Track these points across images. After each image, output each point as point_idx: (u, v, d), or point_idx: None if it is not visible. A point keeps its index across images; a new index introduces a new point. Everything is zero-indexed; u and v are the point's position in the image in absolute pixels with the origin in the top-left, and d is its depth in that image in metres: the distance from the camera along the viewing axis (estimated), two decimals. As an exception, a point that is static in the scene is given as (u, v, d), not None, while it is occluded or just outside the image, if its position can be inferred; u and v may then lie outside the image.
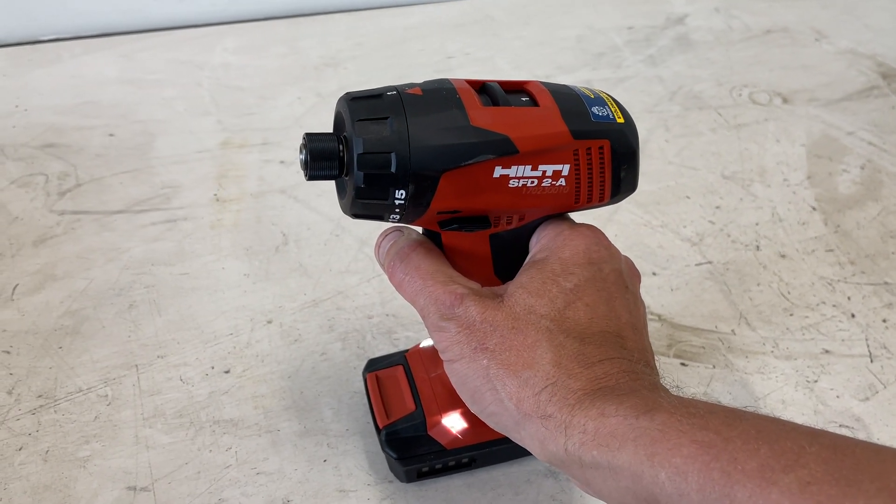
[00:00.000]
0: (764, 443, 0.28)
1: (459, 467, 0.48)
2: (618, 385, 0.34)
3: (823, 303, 0.62)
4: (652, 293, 0.62)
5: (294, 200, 0.70)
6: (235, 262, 0.63)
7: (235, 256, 0.64)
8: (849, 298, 0.62)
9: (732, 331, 0.59)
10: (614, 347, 0.36)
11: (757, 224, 0.69)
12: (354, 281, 0.62)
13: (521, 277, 0.38)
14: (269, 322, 0.58)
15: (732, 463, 0.28)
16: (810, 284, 0.63)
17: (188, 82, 0.84)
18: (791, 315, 0.61)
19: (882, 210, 0.71)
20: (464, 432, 0.47)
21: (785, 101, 0.86)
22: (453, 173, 0.36)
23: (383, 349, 0.57)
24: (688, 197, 0.72)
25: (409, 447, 0.47)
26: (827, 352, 0.58)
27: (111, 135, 0.76)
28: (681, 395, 0.35)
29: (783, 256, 0.66)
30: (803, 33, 0.99)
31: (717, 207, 0.71)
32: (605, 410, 0.32)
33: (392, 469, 0.48)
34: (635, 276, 0.41)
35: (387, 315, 0.59)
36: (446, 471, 0.48)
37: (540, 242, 0.40)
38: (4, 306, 0.58)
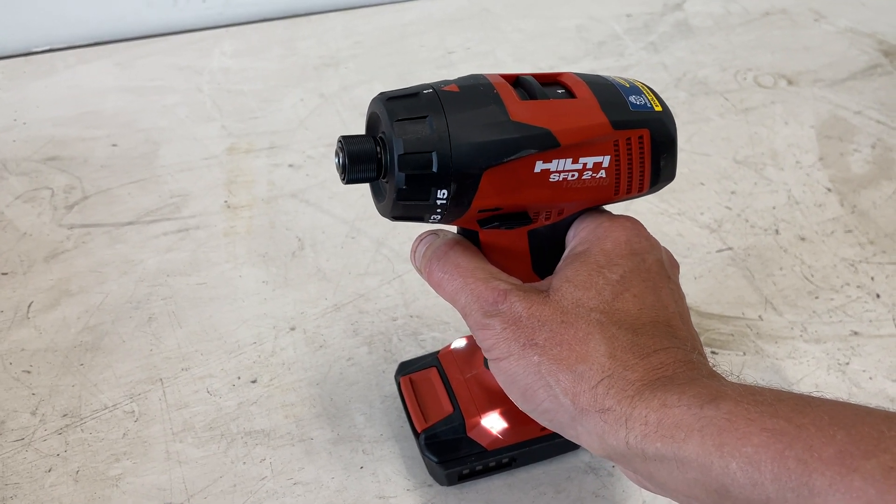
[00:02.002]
0: (839, 428, 0.28)
1: (500, 468, 0.48)
2: (676, 374, 0.33)
3: (847, 284, 0.61)
4: (675, 282, 0.61)
5: (306, 204, 0.69)
6: (252, 270, 0.62)
7: (252, 263, 0.62)
8: (872, 279, 0.62)
9: (759, 316, 0.59)
10: (667, 337, 0.35)
11: (774, 208, 0.69)
12: (375, 283, 0.61)
13: (566, 271, 0.37)
14: (293, 329, 0.57)
15: (808, 451, 0.28)
16: (832, 266, 0.63)
17: (189, 88, 0.83)
18: (816, 298, 0.60)
19: (897, 188, 0.71)
20: (504, 432, 0.46)
21: (790, 83, 0.86)
22: (495, 170, 0.35)
23: (411, 351, 0.56)
24: (702, 183, 0.71)
25: (450, 450, 0.46)
26: (856, 333, 0.57)
27: (114, 145, 0.75)
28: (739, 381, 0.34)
29: (803, 239, 0.66)
30: (802, 14, 0.99)
31: (733, 193, 0.70)
32: (667, 401, 0.32)
33: (432, 473, 0.47)
34: (675, 266, 0.41)
35: (411, 316, 0.58)
36: (486, 472, 0.48)
37: (579, 235, 0.39)
38: (21, 325, 0.57)
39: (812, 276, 0.62)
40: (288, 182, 0.71)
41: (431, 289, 0.40)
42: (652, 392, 0.32)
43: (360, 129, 0.77)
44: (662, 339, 0.35)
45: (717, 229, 0.66)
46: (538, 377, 0.35)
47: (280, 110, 0.80)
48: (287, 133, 0.77)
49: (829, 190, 0.71)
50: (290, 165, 0.73)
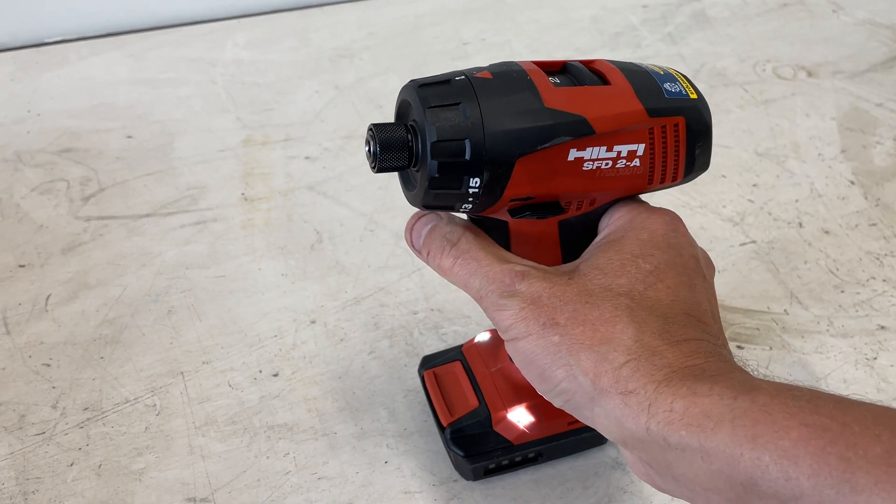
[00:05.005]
0: (885, 428, 0.27)
1: (526, 462, 0.47)
2: (706, 365, 0.32)
3: (873, 278, 0.61)
4: (699, 275, 0.60)
5: (324, 196, 0.68)
6: (271, 262, 0.61)
7: (271, 256, 0.62)
8: (899, 272, 0.61)
9: (785, 310, 0.58)
10: (697, 329, 0.35)
11: (797, 201, 0.68)
12: (394, 276, 0.60)
13: (597, 259, 0.37)
14: (313, 322, 0.57)
15: (852, 448, 0.27)
16: (857, 260, 0.62)
17: (202, 80, 0.82)
18: (842, 292, 0.59)
19: (921, 180, 0.70)
20: (531, 426, 0.45)
21: (810, 74, 0.85)
22: (528, 158, 0.34)
23: (432, 345, 0.55)
24: (724, 176, 0.71)
25: (476, 444, 0.45)
26: (882, 328, 0.57)
27: (129, 136, 0.74)
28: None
29: (827, 232, 0.65)
30: (820, 5, 0.98)
31: (755, 185, 0.70)
32: (697, 389, 0.31)
33: (458, 468, 0.47)
34: (711, 267, 0.40)
35: (432, 310, 0.58)
36: (513, 467, 0.47)
37: (614, 223, 0.38)
38: (39, 317, 0.56)
39: (837, 269, 0.61)
40: (305, 174, 0.70)
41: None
42: (681, 379, 0.31)
43: (376, 119, 0.77)
44: (693, 330, 0.34)
45: (740, 222, 0.66)
46: (557, 357, 0.34)
47: (295, 102, 0.80)
48: (303, 125, 0.76)
49: (853, 183, 0.70)
50: (307, 158, 0.72)
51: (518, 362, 0.36)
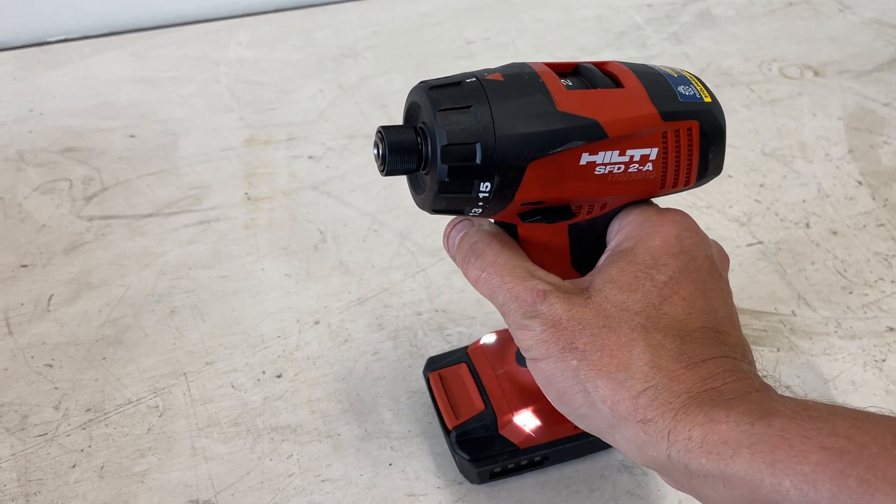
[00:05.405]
0: None
1: (532, 466, 0.47)
2: (724, 386, 0.32)
3: (882, 279, 0.60)
4: (705, 277, 0.60)
5: (327, 196, 0.67)
6: (275, 263, 0.61)
7: (274, 256, 0.61)
8: (907, 274, 0.61)
9: (793, 312, 0.58)
10: (716, 345, 0.34)
11: (804, 201, 0.67)
12: (398, 277, 0.60)
13: (610, 271, 0.36)
14: (317, 323, 0.56)
15: (871, 470, 0.26)
16: (866, 261, 0.62)
17: (205, 79, 0.82)
18: (850, 293, 0.59)
19: (929, 182, 0.70)
20: (537, 430, 0.45)
21: (816, 73, 0.84)
22: (539, 162, 0.34)
23: (437, 346, 0.55)
24: (730, 176, 0.70)
25: (482, 448, 0.45)
26: (891, 329, 0.56)
27: (132, 136, 0.74)
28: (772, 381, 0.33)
29: (834, 233, 0.64)
30: (826, 4, 0.97)
31: (762, 185, 0.69)
32: (714, 416, 0.30)
33: (462, 471, 0.47)
34: (725, 260, 0.39)
35: (436, 311, 0.57)
36: (518, 470, 0.47)
37: (624, 229, 0.38)
38: (42, 318, 0.56)
39: (845, 270, 0.61)
40: (308, 174, 0.70)
41: (458, 283, 0.39)
42: (698, 406, 0.31)
43: (380, 119, 0.77)
44: (711, 347, 0.34)
45: (747, 223, 0.65)
46: (576, 382, 0.34)
47: (298, 101, 0.79)
48: (306, 124, 0.76)
49: (860, 183, 0.69)
50: (310, 157, 0.72)
51: (538, 381, 0.36)
